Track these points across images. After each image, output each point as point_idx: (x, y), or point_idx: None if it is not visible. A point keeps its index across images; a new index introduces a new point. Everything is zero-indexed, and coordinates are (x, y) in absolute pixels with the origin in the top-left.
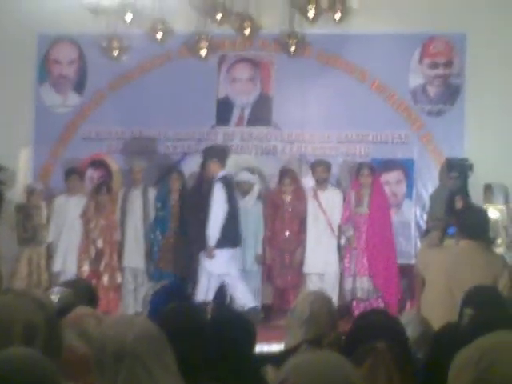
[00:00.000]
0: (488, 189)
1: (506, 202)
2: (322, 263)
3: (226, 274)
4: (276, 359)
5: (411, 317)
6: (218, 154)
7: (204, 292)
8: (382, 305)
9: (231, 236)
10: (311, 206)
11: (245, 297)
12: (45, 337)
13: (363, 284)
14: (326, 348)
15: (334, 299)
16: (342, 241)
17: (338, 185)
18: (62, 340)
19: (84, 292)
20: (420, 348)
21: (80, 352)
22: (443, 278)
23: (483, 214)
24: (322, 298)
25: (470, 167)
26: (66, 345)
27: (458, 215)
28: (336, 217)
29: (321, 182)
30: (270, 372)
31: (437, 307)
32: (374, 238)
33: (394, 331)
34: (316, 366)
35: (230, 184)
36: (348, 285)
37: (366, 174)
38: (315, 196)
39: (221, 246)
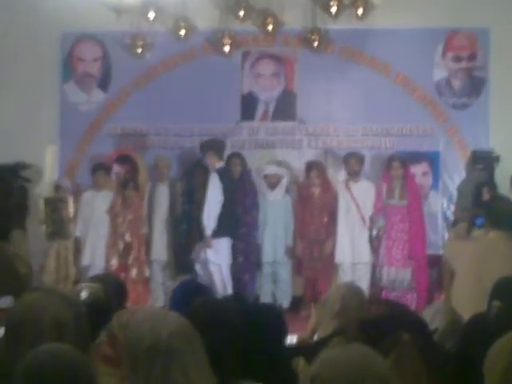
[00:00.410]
0: None
1: None
2: (353, 254)
3: (224, 265)
4: (307, 351)
5: (439, 307)
6: (215, 146)
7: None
8: (413, 295)
9: (228, 226)
10: (343, 198)
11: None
12: (73, 334)
13: (394, 274)
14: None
15: (366, 290)
16: (374, 231)
17: (364, 177)
18: (89, 337)
19: (113, 287)
20: (448, 338)
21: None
22: (473, 269)
23: None
24: (353, 290)
25: (497, 159)
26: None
27: (487, 206)
28: (368, 208)
29: (353, 175)
30: (301, 364)
31: (467, 298)
32: (413, 229)
33: (416, 323)
34: (347, 361)
35: (226, 176)
36: (378, 275)
37: (397, 166)
38: (347, 188)
39: (217, 236)
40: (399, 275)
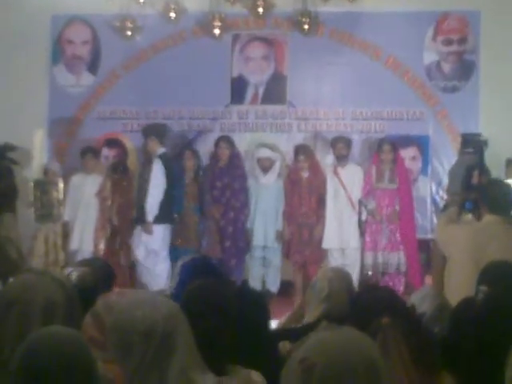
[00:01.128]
0: (510, 163)
1: None
2: (342, 238)
3: (161, 251)
4: (294, 335)
5: (427, 291)
6: (156, 131)
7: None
8: (402, 279)
9: (167, 213)
10: (331, 182)
11: (157, 278)
12: (64, 316)
13: (383, 259)
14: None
15: (356, 274)
16: (363, 215)
17: (354, 161)
18: (81, 320)
19: (102, 270)
20: (436, 322)
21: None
22: (468, 253)
23: (509, 189)
24: (341, 274)
25: (485, 142)
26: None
27: (482, 189)
28: (356, 193)
29: (341, 159)
30: (287, 348)
31: (463, 283)
32: (403, 213)
33: (396, 306)
34: (336, 344)
35: (168, 161)
36: (369, 259)
37: (388, 150)
38: (335, 172)
39: (158, 222)
40: (389, 259)
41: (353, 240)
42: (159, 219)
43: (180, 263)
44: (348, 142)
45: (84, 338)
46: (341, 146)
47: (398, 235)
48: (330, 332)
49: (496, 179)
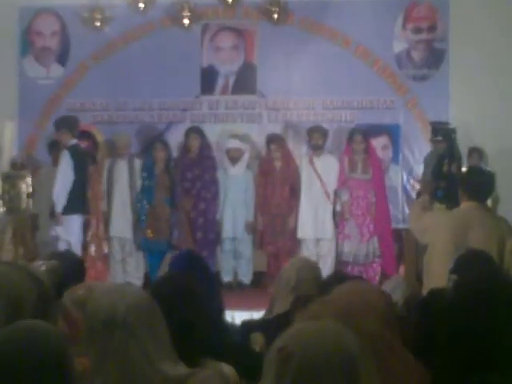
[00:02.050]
0: (474, 152)
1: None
2: (317, 228)
3: (74, 241)
4: (265, 326)
5: (398, 281)
6: (67, 124)
7: None
8: (378, 269)
9: (78, 203)
10: (306, 172)
11: None
12: (33, 312)
13: (358, 249)
14: None
15: (330, 264)
16: (338, 206)
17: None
18: (52, 314)
19: (71, 263)
20: (408, 312)
21: (74, 316)
22: (449, 239)
23: (489, 176)
24: (308, 264)
25: (453, 131)
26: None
27: (462, 176)
28: (331, 183)
29: (316, 149)
30: (258, 338)
31: (443, 269)
32: (377, 203)
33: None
34: (314, 335)
35: (78, 153)
36: (344, 249)
37: (359, 140)
38: (310, 162)
39: (68, 213)
40: (363, 249)
41: (327, 231)
42: (69, 210)
43: (170, 255)
44: (324, 132)
45: (59, 332)
46: (317, 136)
47: (372, 225)
48: (309, 322)
49: (476, 166)
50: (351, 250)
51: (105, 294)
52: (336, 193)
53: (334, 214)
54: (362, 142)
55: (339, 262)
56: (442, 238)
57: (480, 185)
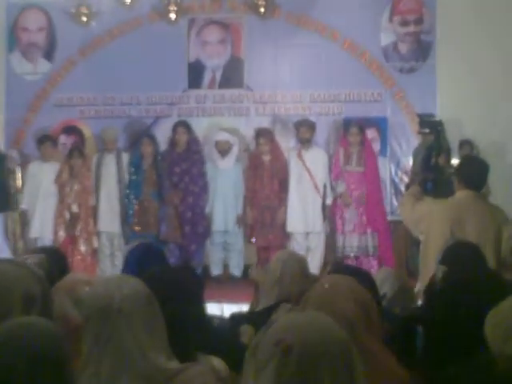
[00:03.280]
0: (465, 144)
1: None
2: (307, 222)
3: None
4: (254, 318)
5: (388, 273)
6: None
7: None
8: (374, 261)
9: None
10: (295, 166)
11: None
12: (40, 308)
13: (353, 241)
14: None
15: (320, 258)
16: (329, 200)
17: (315, 144)
18: (52, 311)
19: (54, 258)
20: (397, 303)
21: (75, 322)
22: (446, 228)
23: (485, 165)
24: (294, 257)
25: (440, 123)
26: (61, 314)
27: (459, 165)
28: (321, 176)
29: (304, 142)
30: (248, 331)
31: None
32: (371, 195)
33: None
34: (310, 326)
35: None
36: (340, 242)
37: (355, 133)
38: (299, 155)
39: None
40: (359, 242)
41: (317, 224)
42: None
43: (127, 248)
44: (311, 126)
45: (57, 329)
46: (304, 130)
47: (365, 218)
48: (301, 314)
49: (471, 155)
50: (346, 243)
51: (102, 283)
52: (331, 185)
53: (324, 207)
54: (358, 135)
55: (334, 254)
56: (438, 228)
57: (476, 173)
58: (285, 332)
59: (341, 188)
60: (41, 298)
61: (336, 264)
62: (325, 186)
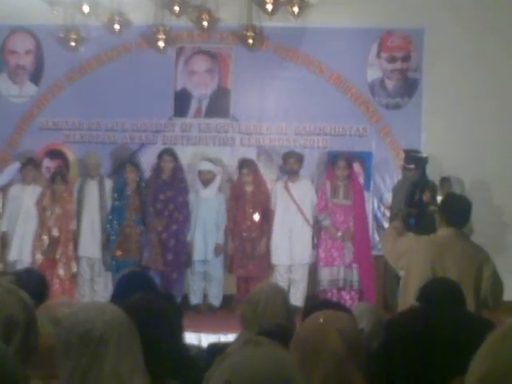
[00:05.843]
0: (445, 181)
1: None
2: (291, 255)
3: None
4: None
5: (365, 308)
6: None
7: None
8: (356, 296)
9: None
10: (281, 198)
11: None
12: (23, 335)
13: (337, 274)
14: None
15: (303, 290)
16: (315, 231)
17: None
18: (38, 338)
19: (34, 282)
20: (374, 339)
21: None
22: (427, 264)
23: (468, 203)
24: (277, 289)
25: (425, 159)
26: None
27: (442, 202)
28: (307, 208)
29: (292, 174)
30: None
31: None
32: (358, 229)
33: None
34: (255, 365)
35: None
36: (323, 275)
37: (344, 166)
38: (286, 187)
39: None
40: (344, 275)
41: (303, 256)
42: None
43: (119, 275)
44: (300, 158)
45: (13, 354)
46: (293, 161)
47: (351, 252)
48: (249, 352)
49: (455, 193)
50: (329, 276)
51: (83, 309)
52: (316, 217)
53: (312, 239)
54: (345, 168)
55: (317, 287)
56: (419, 264)
57: (459, 211)
58: (231, 373)
59: (326, 221)
60: (24, 325)
61: (312, 298)
62: (315, 217)
